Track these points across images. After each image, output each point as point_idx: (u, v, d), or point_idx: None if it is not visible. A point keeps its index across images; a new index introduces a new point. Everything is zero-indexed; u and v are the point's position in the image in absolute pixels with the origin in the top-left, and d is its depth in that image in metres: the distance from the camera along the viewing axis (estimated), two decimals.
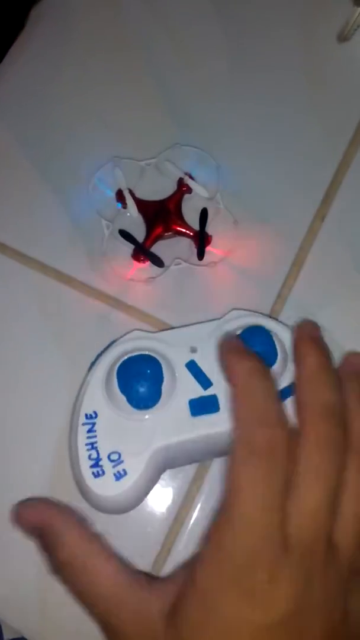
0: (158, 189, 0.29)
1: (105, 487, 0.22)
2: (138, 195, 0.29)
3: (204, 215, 0.28)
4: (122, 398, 0.23)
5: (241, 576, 0.19)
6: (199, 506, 0.26)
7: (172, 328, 0.26)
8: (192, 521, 0.26)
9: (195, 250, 0.28)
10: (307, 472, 0.20)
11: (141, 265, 0.28)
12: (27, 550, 0.26)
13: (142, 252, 0.28)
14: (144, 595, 0.20)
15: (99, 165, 0.29)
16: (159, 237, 0.28)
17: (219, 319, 0.25)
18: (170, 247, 0.28)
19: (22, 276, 0.28)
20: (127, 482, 0.22)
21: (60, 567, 0.21)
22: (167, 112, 0.30)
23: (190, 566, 0.20)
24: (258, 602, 0.19)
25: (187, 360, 0.24)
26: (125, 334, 0.25)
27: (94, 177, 0.29)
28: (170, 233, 0.28)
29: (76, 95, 0.31)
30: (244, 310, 0.26)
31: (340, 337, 0.28)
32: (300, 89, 0.31)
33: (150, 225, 0.28)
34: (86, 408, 0.23)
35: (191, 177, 0.29)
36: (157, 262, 0.28)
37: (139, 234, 0.28)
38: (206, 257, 0.28)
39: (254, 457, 0.20)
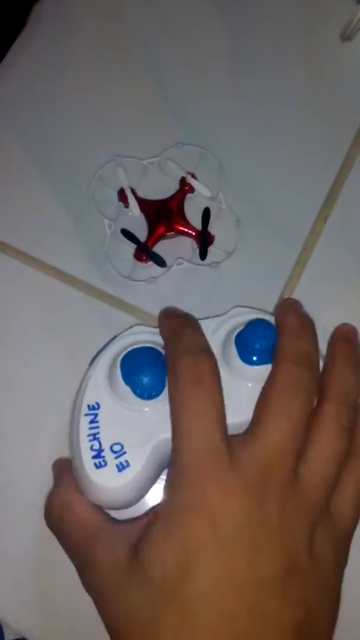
0: (160, 189, 0.29)
1: (108, 478, 0.22)
2: (140, 194, 0.28)
3: (206, 214, 0.28)
4: (126, 389, 0.23)
5: (192, 493, 0.19)
6: None
7: None
8: None
9: (197, 250, 0.28)
10: (273, 408, 0.21)
11: (143, 264, 0.28)
12: (29, 551, 0.26)
13: (144, 251, 0.28)
14: (115, 529, 0.22)
15: (101, 164, 0.29)
16: (161, 237, 0.28)
17: (221, 315, 0.25)
18: (172, 247, 0.28)
19: (23, 275, 0.28)
20: (130, 474, 0.22)
21: (51, 508, 0.23)
22: (169, 112, 0.30)
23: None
24: (207, 514, 0.19)
25: None
26: (127, 329, 0.25)
27: (95, 176, 0.29)
28: (172, 233, 0.28)
29: (77, 93, 0.31)
30: (247, 307, 0.26)
31: None
32: (303, 88, 0.31)
33: (152, 224, 0.28)
34: (88, 399, 0.23)
35: (194, 177, 0.29)
36: (160, 262, 0.27)
37: (141, 233, 0.28)
38: (209, 257, 0.28)
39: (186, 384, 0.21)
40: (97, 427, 0.23)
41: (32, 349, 0.28)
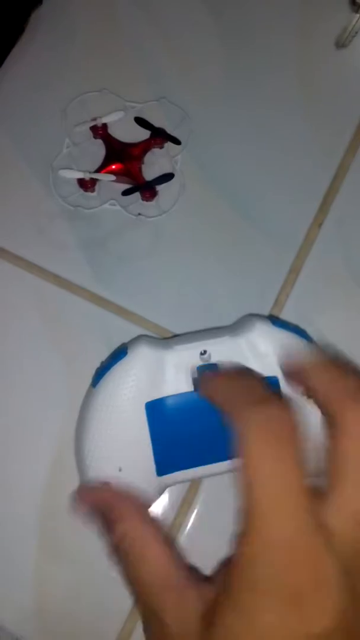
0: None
1: None
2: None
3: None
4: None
5: (280, 579, 0.16)
6: (195, 512, 0.26)
7: (177, 335, 0.26)
8: (188, 527, 0.26)
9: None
10: (349, 463, 0.18)
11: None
12: (26, 555, 0.26)
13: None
14: (186, 590, 0.19)
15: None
16: (112, 172, 0.29)
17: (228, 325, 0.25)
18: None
19: (22, 281, 0.28)
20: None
21: (116, 547, 0.21)
22: (165, 116, 0.30)
23: (226, 568, 0.18)
24: (303, 609, 0.16)
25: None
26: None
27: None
28: (122, 170, 0.29)
29: (75, 99, 0.31)
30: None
31: (337, 343, 0.28)
32: (298, 95, 0.31)
33: (108, 158, 0.29)
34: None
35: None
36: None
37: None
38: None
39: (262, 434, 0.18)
40: None
41: (31, 353, 0.28)
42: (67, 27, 0.32)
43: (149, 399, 0.23)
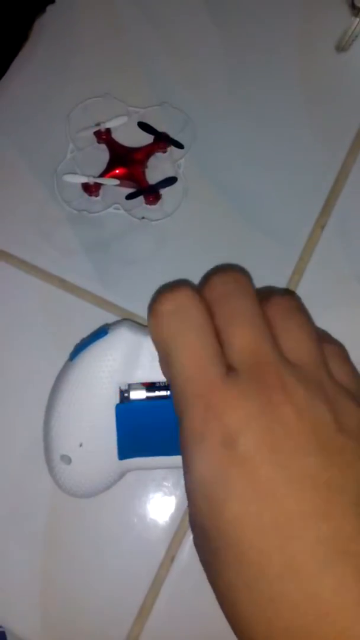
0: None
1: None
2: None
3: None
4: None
5: (195, 418, 0.18)
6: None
7: None
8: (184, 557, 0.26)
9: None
10: (229, 319, 0.20)
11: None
12: (31, 559, 0.26)
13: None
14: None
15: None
16: (115, 177, 0.29)
17: None
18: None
19: (27, 284, 0.29)
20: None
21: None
22: (167, 122, 0.31)
23: None
24: (218, 434, 0.18)
25: None
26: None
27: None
28: (126, 175, 0.29)
29: (78, 104, 0.31)
30: None
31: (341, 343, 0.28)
32: (299, 98, 0.31)
33: (112, 163, 0.30)
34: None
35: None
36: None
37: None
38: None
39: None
40: None
41: (36, 357, 0.28)
42: (71, 34, 0.32)
43: (122, 381, 0.24)
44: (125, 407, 0.23)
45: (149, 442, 0.24)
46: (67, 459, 0.24)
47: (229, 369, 0.19)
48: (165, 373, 0.21)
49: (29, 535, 0.26)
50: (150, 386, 0.24)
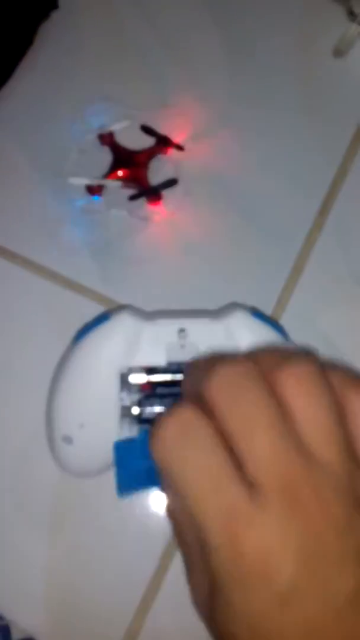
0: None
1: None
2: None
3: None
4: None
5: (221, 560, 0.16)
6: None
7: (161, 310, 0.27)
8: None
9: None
10: (245, 424, 0.17)
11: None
12: (35, 551, 0.27)
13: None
14: None
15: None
16: (118, 178, 0.30)
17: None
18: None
19: (32, 284, 0.29)
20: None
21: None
22: (169, 127, 0.31)
23: None
24: (259, 574, 0.16)
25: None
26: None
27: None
28: (129, 176, 0.30)
29: (84, 110, 0.32)
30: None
31: (339, 344, 0.28)
32: (297, 102, 0.32)
33: (115, 165, 0.30)
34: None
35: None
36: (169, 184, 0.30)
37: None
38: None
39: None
40: None
41: (41, 356, 0.28)
42: (74, 38, 0.33)
43: (123, 365, 0.24)
44: (123, 444, 0.24)
45: (148, 476, 0.23)
46: (68, 439, 0.24)
47: (251, 486, 0.17)
48: (171, 505, 0.19)
49: (31, 525, 0.27)
50: (151, 370, 0.24)
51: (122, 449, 0.24)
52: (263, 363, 0.18)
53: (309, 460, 0.17)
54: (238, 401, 0.18)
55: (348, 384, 0.18)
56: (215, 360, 0.19)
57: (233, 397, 0.18)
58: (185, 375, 0.21)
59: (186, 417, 0.18)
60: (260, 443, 0.17)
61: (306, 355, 0.19)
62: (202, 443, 0.18)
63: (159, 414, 0.20)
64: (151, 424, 0.22)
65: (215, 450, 0.17)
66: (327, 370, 0.18)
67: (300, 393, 0.18)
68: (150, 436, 0.18)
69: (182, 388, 0.21)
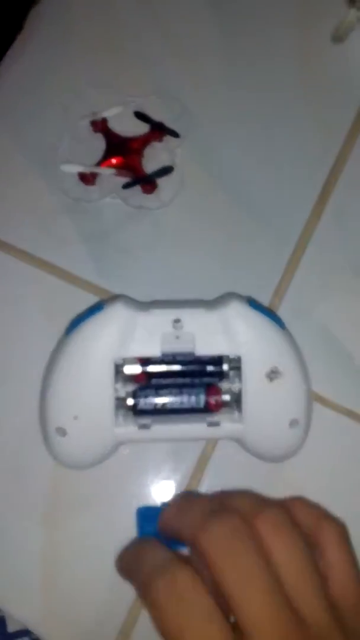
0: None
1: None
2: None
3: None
4: None
5: None
6: None
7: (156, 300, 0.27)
8: None
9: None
10: (236, 580, 0.20)
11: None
12: (30, 543, 0.26)
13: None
14: None
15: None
16: (112, 166, 0.29)
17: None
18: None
19: (25, 274, 0.29)
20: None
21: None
22: (163, 112, 0.31)
23: None
24: None
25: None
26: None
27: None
28: (123, 164, 0.29)
29: (76, 97, 0.31)
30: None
31: (337, 333, 0.28)
32: (295, 88, 0.31)
33: (109, 152, 0.30)
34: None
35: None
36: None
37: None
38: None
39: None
40: None
41: (35, 346, 0.28)
42: (66, 23, 0.32)
43: (117, 356, 0.24)
44: (145, 511, 0.25)
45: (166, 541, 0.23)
46: (62, 431, 0.24)
47: (242, 637, 0.19)
48: None
49: (26, 517, 0.27)
50: (145, 361, 0.24)
51: (143, 516, 0.25)
52: (243, 509, 0.21)
53: (298, 620, 0.19)
54: (233, 558, 0.20)
55: (319, 516, 0.22)
56: (205, 509, 0.22)
57: (228, 554, 0.20)
58: (172, 509, 0.23)
59: (182, 582, 0.20)
60: (252, 599, 0.19)
61: (276, 504, 0.22)
62: (199, 609, 0.19)
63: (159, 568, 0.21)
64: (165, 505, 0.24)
65: (211, 616, 0.19)
66: (294, 510, 0.22)
67: (277, 538, 0.20)
68: (145, 597, 0.20)
69: (165, 518, 0.23)
